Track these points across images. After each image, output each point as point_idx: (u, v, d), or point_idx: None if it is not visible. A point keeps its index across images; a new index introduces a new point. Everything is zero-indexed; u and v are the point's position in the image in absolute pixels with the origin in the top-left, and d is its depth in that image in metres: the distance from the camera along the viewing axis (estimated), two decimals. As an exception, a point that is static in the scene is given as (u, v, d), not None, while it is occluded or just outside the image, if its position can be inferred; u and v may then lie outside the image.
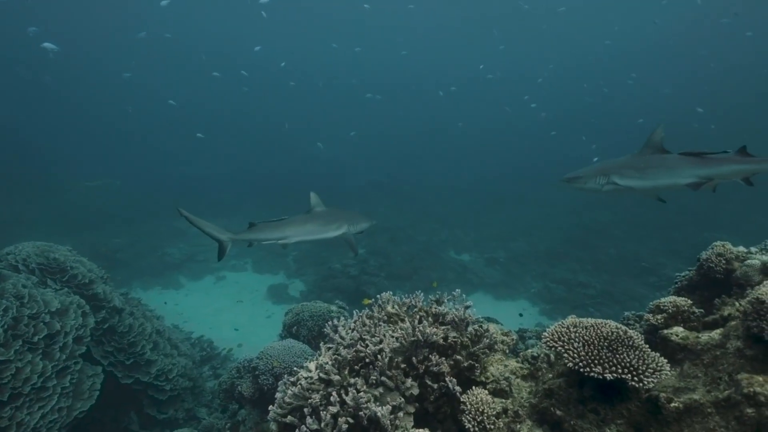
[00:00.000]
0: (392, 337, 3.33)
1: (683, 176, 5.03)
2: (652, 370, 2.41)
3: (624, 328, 2.64)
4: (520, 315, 5.75)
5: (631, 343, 2.55)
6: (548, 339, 2.76)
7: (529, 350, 3.46)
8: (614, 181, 5.30)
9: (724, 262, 3.60)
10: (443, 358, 3.19)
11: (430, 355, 3.17)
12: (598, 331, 2.61)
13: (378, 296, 3.89)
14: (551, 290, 17.15)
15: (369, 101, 44.97)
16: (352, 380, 3.11)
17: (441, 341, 3.25)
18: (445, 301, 3.86)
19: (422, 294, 3.91)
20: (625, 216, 25.18)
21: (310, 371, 3.33)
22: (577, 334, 2.64)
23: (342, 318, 3.78)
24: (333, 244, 18.86)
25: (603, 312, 15.70)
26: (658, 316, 3.30)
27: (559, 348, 2.65)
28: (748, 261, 3.54)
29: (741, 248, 3.92)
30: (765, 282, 2.71)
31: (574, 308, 15.97)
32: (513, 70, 51.06)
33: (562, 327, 2.76)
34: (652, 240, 21.88)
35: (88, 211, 23.76)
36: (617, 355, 2.48)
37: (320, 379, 3.18)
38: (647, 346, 2.58)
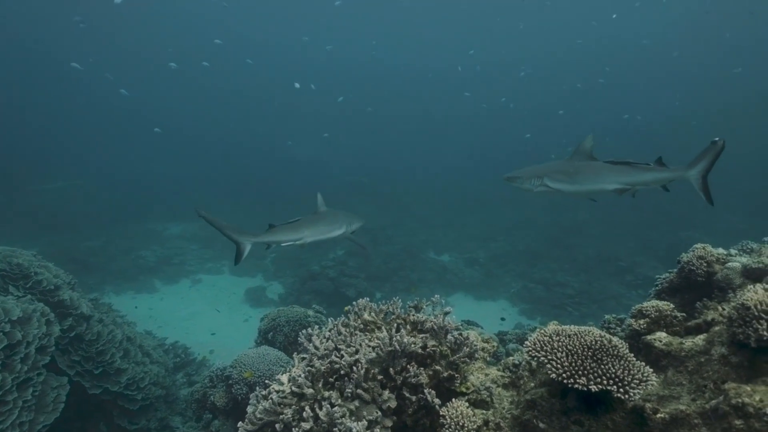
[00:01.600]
0: (369, 346, 3.19)
1: (608, 182, 5.44)
2: (638, 381, 2.32)
3: (608, 336, 2.54)
4: (503, 320, 5.73)
5: (615, 352, 2.45)
6: (530, 348, 2.65)
7: (510, 357, 3.35)
8: (546, 184, 5.70)
9: (705, 264, 3.55)
10: (422, 369, 3.06)
11: (408, 366, 3.03)
12: (582, 340, 2.51)
13: (354, 303, 3.74)
14: (531, 290, 17.20)
15: (347, 99, 44.56)
16: (326, 393, 2.96)
17: (419, 351, 3.12)
18: (424, 307, 3.73)
19: (400, 300, 3.77)
20: (602, 215, 25.53)
21: (282, 384, 3.16)
22: (560, 343, 2.53)
23: (316, 327, 3.62)
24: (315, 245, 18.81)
25: (581, 311, 15.83)
26: (641, 321, 3.22)
27: (542, 358, 2.54)
28: (729, 264, 3.50)
29: (721, 250, 3.88)
30: (749, 287, 2.64)
31: (553, 308, 16.06)
32: (490, 68, 51.09)
33: (545, 335, 2.65)
34: (628, 239, 22.20)
35: (57, 213, 22.98)
36: (602, 366, 2.38)
37: (293, 392, 3.02)
38: (632, 355, 2.49)
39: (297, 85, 29.87)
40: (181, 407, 9.33)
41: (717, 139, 4.76)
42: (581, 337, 2.53)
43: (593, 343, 2.48)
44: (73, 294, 8.33)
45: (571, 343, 2.51)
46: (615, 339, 2.53)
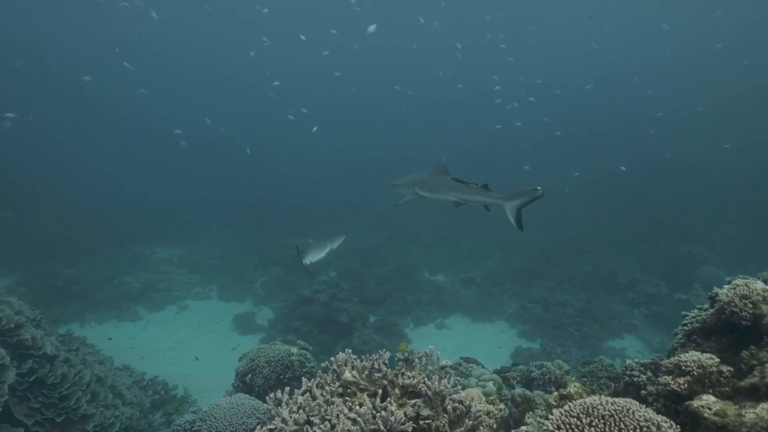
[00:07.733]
0: (348, 418, 2.58)
1: (452, 196, 6.66)
2: (704, 489, 1.73)
3: (656, 419, 1.95)
4: (514, 364, 5.42)
5: (668, 443, 1.86)
6: (553, 434, 2.04)
7: (523, 428, 2.74)
8: (416, 191, 7.05)
9: (750, 306, 2.98)
10: (414, 449, 2.45)
11: (397, 447, 2.42)
12: (622, 425, 1.92)
13: (332, 359, 3.13)
14: (529, 310, 16.56)
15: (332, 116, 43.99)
16: (293, 487, 2.34)
17: (411, 427, 2.50)
18: (416, 360, 3.13)
19: (388, 353, 3.18)
20: (597, 229, 25.05)
21: (240, 471, 2.54)
22: (593, 430, 1.93)
23: (287, 390, 2.99)
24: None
25: (583, 332, 15.21)
26: (681, 380, 2.63)
27: (570, 450, 1.94)
28: (779, 304, 2.93)
29: (760, 284, 3.32)
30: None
31: (553, 328, 15.43)
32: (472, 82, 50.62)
33: (571, 415, 2.05)
34: (625, 254, 21.66)
35: (40, 240, 22.06)
36: (653, 465, 1.79)
37: (252, 485, 2.39)
38: (688, 444, 1.91)
39: (276, 83, 29.33)
40: (157, 451, 8.61)
41: (539, 188, 5.71)
42: (620, 420, 1.94)
43: (637, 430, 1.89)
44: (36, 332, 7.64)
45: (607, 429, 1.91)
46: (664, 423, 1.93)
